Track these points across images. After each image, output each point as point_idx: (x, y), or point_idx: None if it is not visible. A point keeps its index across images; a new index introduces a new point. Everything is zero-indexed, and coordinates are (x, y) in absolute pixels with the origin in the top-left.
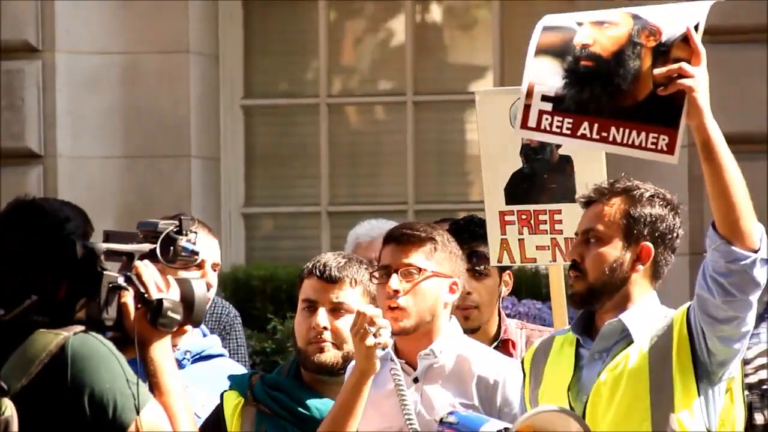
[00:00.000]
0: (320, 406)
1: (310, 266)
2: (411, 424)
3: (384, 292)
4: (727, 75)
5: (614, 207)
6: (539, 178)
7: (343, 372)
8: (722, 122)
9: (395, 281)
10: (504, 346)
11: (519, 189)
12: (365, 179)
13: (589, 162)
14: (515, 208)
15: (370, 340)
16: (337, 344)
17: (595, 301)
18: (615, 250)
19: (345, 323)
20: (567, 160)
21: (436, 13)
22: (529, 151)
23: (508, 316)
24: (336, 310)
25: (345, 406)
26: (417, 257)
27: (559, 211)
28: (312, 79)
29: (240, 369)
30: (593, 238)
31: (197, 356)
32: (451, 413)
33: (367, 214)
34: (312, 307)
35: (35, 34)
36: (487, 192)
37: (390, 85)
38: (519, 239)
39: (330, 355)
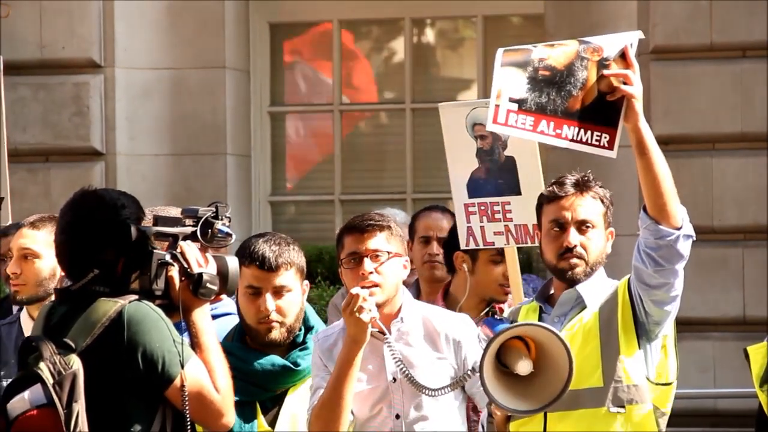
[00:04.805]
0: (262, 361)
1: (248, 257)
2: (402, 368)
3: (356, 275)
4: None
5: (592, 199)
6: (491, 175)
7: (286, 343)
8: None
9: (369, 264)
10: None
11: (477, 184)
12: (371, 173)
13: (528, 159)
14: (476, 200)
15: (366, 316)
16: (282, 321)
17: (587, 278)
18: (603, 235)
19: (287, 302)
20: (512, 160)
21: (429, 35)
22: (482, 153)
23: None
24: (278, 292)
25: (344, 372)
26: (380, 242)
27: (509, 202)
28: (327, 89)
29: None
30: (589, 226)
31: None
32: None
33: (373, 202)
34: (256, 292)
35: (99, 53)
36: (453, 187)
37: (392, 95)
38: (480, 226)
39: (277, 333)
